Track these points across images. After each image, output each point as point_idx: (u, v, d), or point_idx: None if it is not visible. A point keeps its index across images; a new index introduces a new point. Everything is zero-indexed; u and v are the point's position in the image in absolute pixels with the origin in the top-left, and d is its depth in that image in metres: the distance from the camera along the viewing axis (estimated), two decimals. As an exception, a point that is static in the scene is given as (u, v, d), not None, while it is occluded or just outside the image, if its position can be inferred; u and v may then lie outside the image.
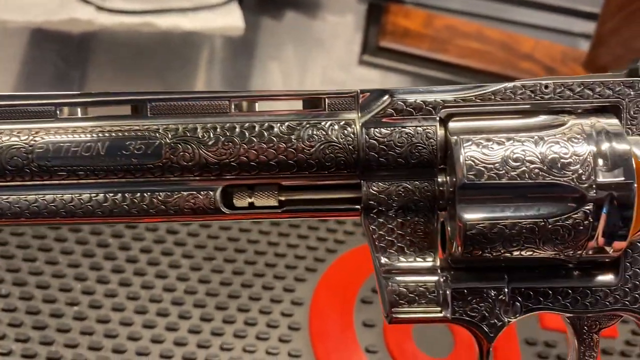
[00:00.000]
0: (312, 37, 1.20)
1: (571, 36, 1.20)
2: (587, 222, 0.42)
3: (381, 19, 1.14)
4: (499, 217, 0.43)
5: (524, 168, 0.42)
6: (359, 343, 0.74)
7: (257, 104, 0.46)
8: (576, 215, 0.42)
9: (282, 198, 0.46)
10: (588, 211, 0.42)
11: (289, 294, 0.76)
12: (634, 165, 0.42)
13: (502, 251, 0.43)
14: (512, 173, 0.42)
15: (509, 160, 0.43)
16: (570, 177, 0.42)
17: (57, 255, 0.76)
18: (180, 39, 1.09)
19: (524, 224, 0.43)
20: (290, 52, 1.20)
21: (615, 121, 0.44)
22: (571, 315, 0.46)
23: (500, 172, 0.42)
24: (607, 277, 0.46)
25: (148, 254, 0.77)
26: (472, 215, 0.43)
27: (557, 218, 0.42)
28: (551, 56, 1.12)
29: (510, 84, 0.45)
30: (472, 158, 0.43)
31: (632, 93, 0.45)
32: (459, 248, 0.44)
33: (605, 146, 0.42)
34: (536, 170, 0.42)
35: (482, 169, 0.43)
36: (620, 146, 0.42)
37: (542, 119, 0.45)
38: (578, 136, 0.43)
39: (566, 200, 0.42)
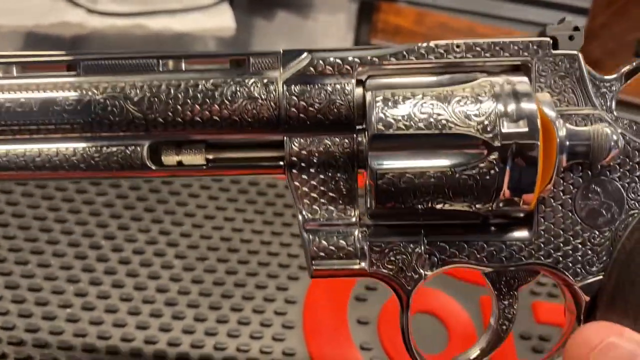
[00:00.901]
0: (304, 37, 1.20)
1: (562, 31, 1.20)
2: (492, 171, 0.44)
3: (372, 17, 1.15)
4: (408, 166, 0.44)
5: (431, 120, 0.44)
6: (353, 340, 0.74)
7: (183, 63, 0.48)
8: (482, 165, 0.44)
9: (210, 156, 0.48)
10: (493, 161, 0.44)
11: (282, 293, 0.75)
12: (538, 119, 0.44)
13: (414, 202, 0.45)
14: (420, 124, 0.44)
15: (417, 113, 0.44)
16: (476, 128, 0.44)
17: (49, 258, 0.75)
18: (171, 41, 1.09)
19: (432, 174, 0.44)
20: (282, 52, 1.20)
21: (523, 78, 0.46)
22: (489, 270, 0.48)
23: (409, 123, 0.44)
24: (522, 232, 0.47)
25: (140, 255, 0.77)
26: (382, 165, 0.45)
27: (464, 167, 0.44)
28: (543, 51, 1.12)
29: (423, 44, 0.47)
30: (382, 111, 0.45)
31: (540, 52, 0.47)
32: (373, 200, 0.46)
33: (511, 100, 0.44)
34: (443, 122, 0.44)
35: (392, 120, 0.44)
36: (526, 101, 0.44)
37: (454, 76, 0.47)
38: (486, 91, 0.45)
39: (472, 149, 0.44)
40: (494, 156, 0.44)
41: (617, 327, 0.44)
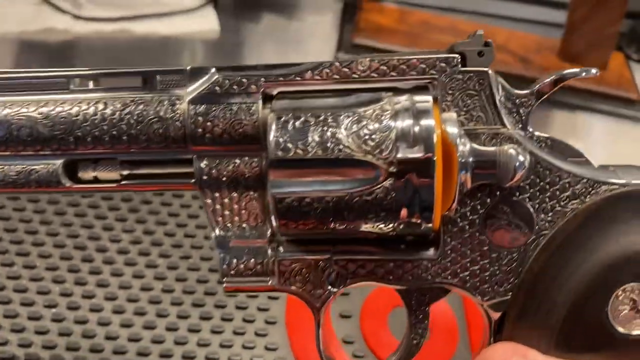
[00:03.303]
0: (289, 38, 1.21)
1: (544, 26, 1.21)
2: (389, 196, 0.44)
3: (355, 16, 1.15)
4: (306, 191, 0.44)
5: (328, 145, 0.44)
6: (336, 334, 0.74)
7: (91, 82, 0.48)
8: (379, 190, 0.44)
9: (125, 172, 0.49)
10: (389, 186, 0.43)
11: (265, 289, 0.76)
12: (436, 141, 0.43)
13: (316, 224, 0.45)
14: (318, 149, 0.44)
15: (316, 137, 0.44)
16: (372, 153, 0.43)
17: (35, 259, 0.77)
18: (157, 45, 1.10)
19: (330, 198, 0.44)
20: (269, 53, 1.21)
21: (427, 98, 0.45)
22: (399, 288, 0.48)
23: (307, 148, 0.44)
24: (429, 251, 0.47)
25: (125, 254, 0.78)
26: (281, 190, 0.45)
27: (360, 192, 0.44)
28: (525, 46, 1.13)
29: (327, 62, 0.47)
30: (281, 134, 0.44)
31: (448, 69, 0.46)
32: (276, 222, 0.46)
33: (411, 121, 0.43)
34: (340, 147, 0.44)
35: (290, 145, 0.44)
36: (425, 122, 0.43)
37: (360, 97, 0.46)
38: (386, 114, 0.44)
39: (368, 175, 0.44)
40: (390, 181, 0.43)
41: (521, 349, 0.45)
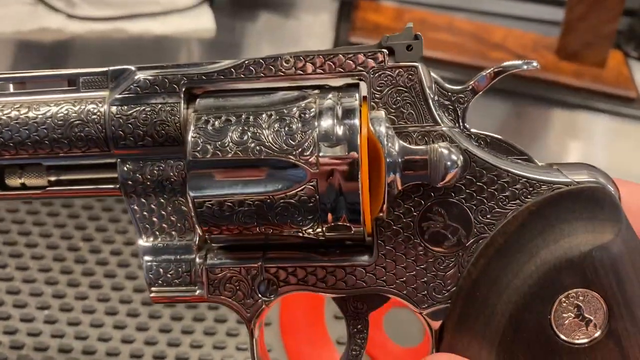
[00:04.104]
0: (286, 37, 1.21)
1: (542, 24, 1.21)
2: (313, 198, 0.42)
3: (352, 15, 1.15)
4: (227, 194, 0.42)
5: (248, 145, 0.42)
6: (330, 336, 0.74)
7: (10, 86, 0.47)
8: (301, 192, 0.42)
9: (52, 178, 0.47)
10: (312, 187, 0.42)
11: (259, 290, 0.76)
12: (360, 140, 0.42)
13: (240, 229, 0.43)
14: (237, 150, 0.42)
15: (235, 138, 0.42)
16: (294, 153, 0.42)
17: (28, 261, 0.76)
18: (151, 44, 1.09)
19: (252, 201, 0.42)
20: (265, 52, 1.20)
21: (353, 95, 0.43)
22: (334, 296, 0.46)
23: (226, 149, 0.42)
24: (363, 256, 0.45)
25: (118, 256, 0.78)
26: (200, 193, 0.43)
27: (283, 194, 0.42)
28: (522, 45, 1.13)
29: (251, 59, 0.45)
30: (199, 135, 0.43)
31: (375, 65, 0.43)
32: (198, 227, 0.44)
33: (335, 120, 0.42)
34: (260, 147, 0.42)
35: (208, 146, 0.42)
36: (350, 121, 0.42)
37: (286, 94, 0.44)
38: (311, 112, 0.42)
39: (290, 176, 0.42)
40: (313, 183, 0.41)
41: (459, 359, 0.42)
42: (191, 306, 0.74)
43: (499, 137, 0.45)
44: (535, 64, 0.43)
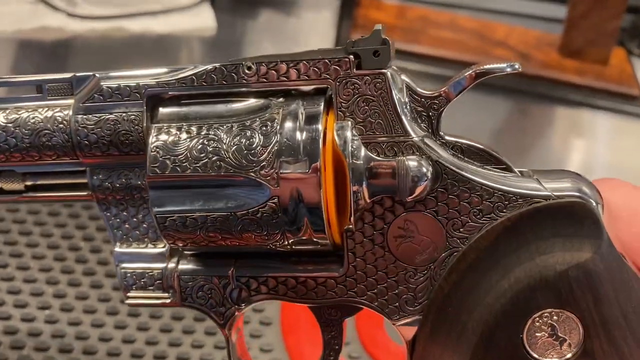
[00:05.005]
0: (287, 35, 1.20)
1: (545, 21, 1.20)
2: (275, 214, 0.41)
3: (353, 13, 1.14)
4: (188, 209, 0.42)
5: (207, 160, 0.41)
6: (331, 335, 0.74)
7: None
8: (263, 209, 0.41)
9: (28, 183, 0.48)
10: (274, 204, 0.41)
11: (260, 290, 0.76)
12: (324, 153, 0.40)
13: (206, 242, 0.43)
14: (196, 165, 0.41)
15: (195, 153, 0.41)
16: (254, 170, 0.41)
17: (28, 261, 0.76)
18: (152, 43, 1.09)
19: (214, 217, 0.42)
20: (266, 50, 1.19)
21: (317, 105, 0.42)
22: (309, 305, 0.45)
23: (185, 164, 0.41)
24: (333, 267, 0.44)
25: (97, 254, 0.77)
26: (161, 208, 0.42)
27: (245, 212, 0.41)
28: (525, 42, 1.12)
29: (210, 66, 0.43)
30: (158, 149, 0.42)
31: (342, 72, 0.42)
32: (165, 241, 0.44)
33: (295, 135, 0.41)
34: (220, 163, 0.41)
35: (167, 161, 0.42)
36: (312, 133, 0.41)
37: (250, 103, 0.43)
38: (273, 124, 0.41)
39: (251, 193, 0.41)
40: (274, 200, 0.41)
41: None
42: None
43: (477, 144, 0.43)
44: (517, 66, 0.41)
